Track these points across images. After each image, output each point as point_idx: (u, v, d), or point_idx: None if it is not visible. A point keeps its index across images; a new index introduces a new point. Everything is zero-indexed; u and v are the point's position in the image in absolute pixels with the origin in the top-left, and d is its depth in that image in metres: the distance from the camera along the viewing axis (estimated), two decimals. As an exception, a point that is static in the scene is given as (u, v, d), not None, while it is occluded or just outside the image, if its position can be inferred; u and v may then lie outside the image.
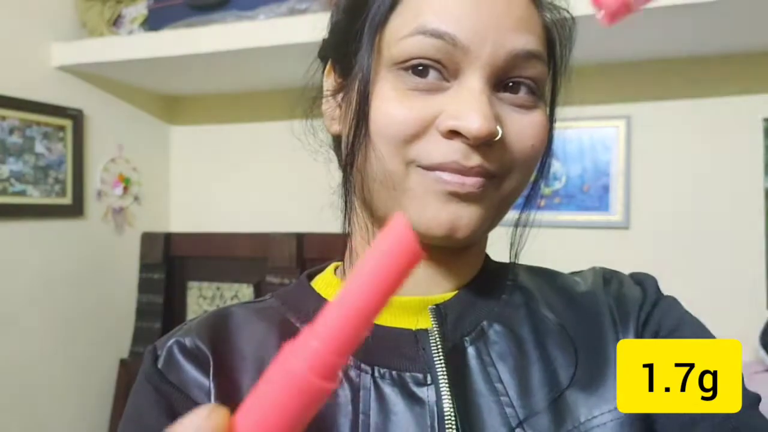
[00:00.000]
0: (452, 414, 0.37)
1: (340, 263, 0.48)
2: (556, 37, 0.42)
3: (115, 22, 1.21)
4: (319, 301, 0.44)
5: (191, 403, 0.40)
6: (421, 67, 0.38)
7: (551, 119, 0.43)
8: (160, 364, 0.42)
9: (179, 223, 1.42)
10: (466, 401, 0.39)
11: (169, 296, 1.29)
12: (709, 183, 1.08)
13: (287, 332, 0.43)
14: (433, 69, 0.38)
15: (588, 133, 1.13)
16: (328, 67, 0.46)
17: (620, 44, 1.02)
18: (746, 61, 1.04)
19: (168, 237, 1.30)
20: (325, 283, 0.47)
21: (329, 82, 0.45)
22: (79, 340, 1.21)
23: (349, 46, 0.41)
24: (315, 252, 1.17)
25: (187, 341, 0.42)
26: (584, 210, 1.14)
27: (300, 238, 1.17)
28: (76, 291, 1.20)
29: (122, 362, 1.26)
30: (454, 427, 0.37)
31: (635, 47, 1.04)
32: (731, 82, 1.06)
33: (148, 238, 1.31)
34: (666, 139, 1.11)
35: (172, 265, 1.30)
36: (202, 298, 1.28)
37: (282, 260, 1.17)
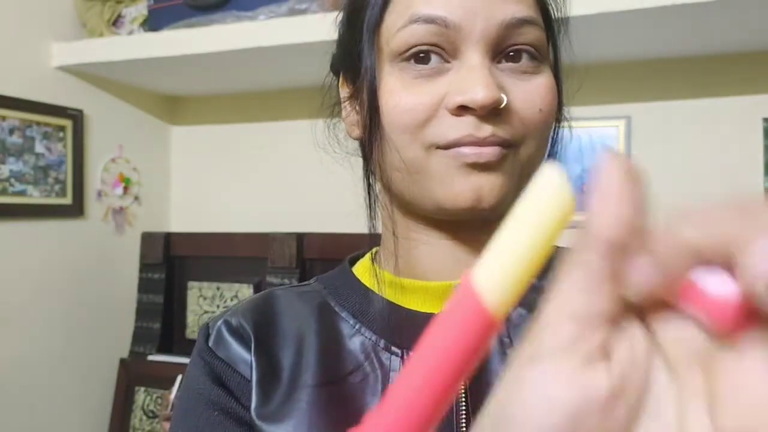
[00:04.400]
0: (463, 394, 0.41)
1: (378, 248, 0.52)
2: (548, 3, 0.44)
3: (115, 23, 1.21)
4: (357, 286, 0.48)
5: (237, 375, 0.45)
6: (422, 54, 0.41)
7: (558, 83, 0.45)
8: (210, 342, 0.47)
9: (179, 223, 1.42)
10: (481, 381, 0.41)
11: (169, 296, 1.29)
12: (709, 183, 1.08)
13: (326, 314, 0.47)
14: (433, 54, 0.41)
15: (588, 133, 1.13)
16: (341, 78, 0.49)
17: (620, 44, 1.02)
18: (746, 61, 1.04)
19: (168, 237, 1.30)
20: (364, 268, 0.50)
21: (344, 91, 0.48)
22: (78, 340, 1.21)
23: (354, 53, 0.44)
24: (315, 252, 1.17)
25: (234, 321, 0.47)
26: (584, 210, 1.14)
27: (300, 238, 1.17)
28: (76, 291, 1.20)
29: (122, 362, 1.26)
30: (465, 405, 0.41)
31: (635, 47, 1.04)
32: (731, 82, 1.06)
33: (148, 238, 1.31)
34: (666, 140, 1.11)
35: (172, 265, 1.30)
36: (202, 298, 1.28)
37: (282, 260, 1.17)
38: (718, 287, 0.17)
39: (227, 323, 0.47)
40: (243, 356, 0.45)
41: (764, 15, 0.87)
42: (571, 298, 0.18)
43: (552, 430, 0.17)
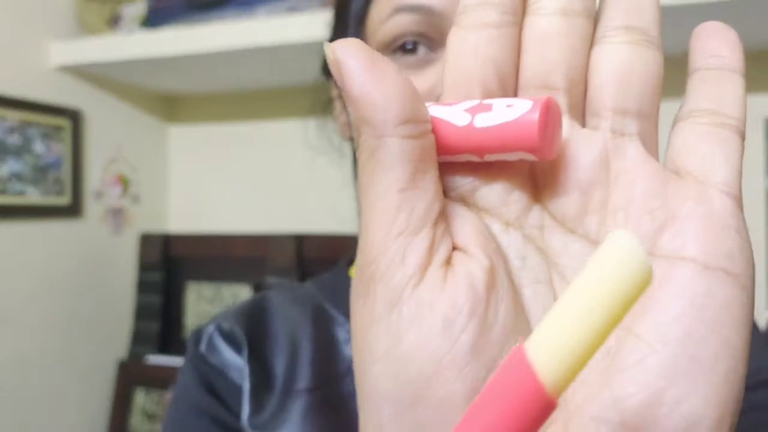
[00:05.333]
0: None
1: None
2: None
3: (115, 21, 1.20)
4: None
5: (229, 382, 0.44)
6: (409, 45, 0.39)
7: None
8: (202, 348, 0.45)
9: (178, 224, 1.42)
10: None
11: (168, 297, 1.29)
12: (709, 183, 1.08)
13: (320, 318, 0.46)
14: (420, 44, 0.39)
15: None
16: (333, 78, 0.48)
17: (620, 44, 1.02)
18: (746, 61, 1.04)
19: (167, 237, 1.29)
20: None
21: (334, 91, 0.47)
22: (77, 341, 1.20)
23: None
24: (315, 253, 1.17)
25: (225, 325, 0.46)
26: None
27: (300, 238, 1.17)
28: (75, 292, 1.20)
29: (120, 363, 1.25)
30: None
31: (635, 47, 1.04)
32: (732, 82, 1.05)
33: (146, 239, 1.30)
34: (666, 139, 1.10)
35: (170, 265, 1.30)
36: (201, 299, 1.28)
37: (282, 261, 1.16)
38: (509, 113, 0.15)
39: (219, 328, 0.46)
40: (235, 362, 0.44)
41: (764, 15, 0.87)
42: (396, 206, 0.15)
43: (451, 350, 0.14)
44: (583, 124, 0.18)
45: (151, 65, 1.14)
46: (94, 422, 1.23)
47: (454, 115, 0.16)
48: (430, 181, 0.15)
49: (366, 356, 0.15)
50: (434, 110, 0.16)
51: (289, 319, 0.46)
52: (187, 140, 1.43)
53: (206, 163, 1.41)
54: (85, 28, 1.20)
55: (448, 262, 0.15)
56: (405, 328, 0.15)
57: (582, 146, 0.17)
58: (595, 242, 0.16)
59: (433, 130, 0.16)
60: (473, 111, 0.16)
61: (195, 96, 1.43)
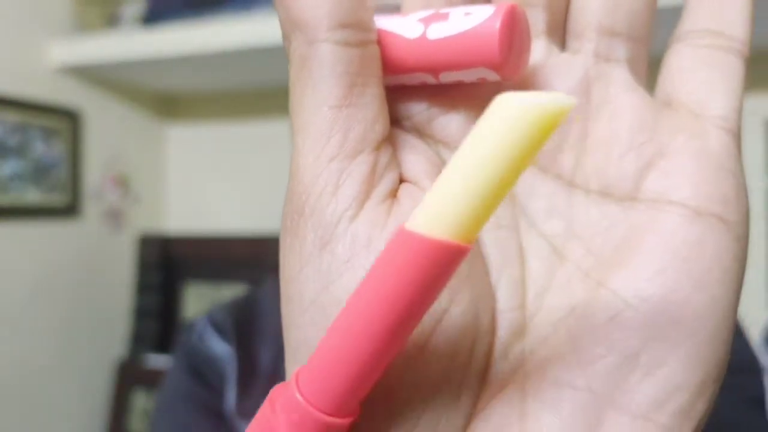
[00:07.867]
0: None
1: None
2: None
3: (114, 21, 1.20)
4: None
5: (217, 371, 0.45)
6: None
7: None
8: (193, 338, 0.47)
9: (177, 224, 1.42)
10: None
11: (167, 297, 1.29)
12: (709, 183, 1.08)
13: None
14: None
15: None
16: None
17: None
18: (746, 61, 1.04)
19: (166, 238, 1.29)
20: None
21: None
22: (75, 342, 1.20)
23: None
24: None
25: (217, 316, 0.47)
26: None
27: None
28: (73, 292, 1.20)
29: (120, 364, 1.25)
30: None
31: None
32: (731, 82, 1.05)
33: (145, 239, 1.30)
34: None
35: (169, 266, 1.30)
36: (200, 300, 1.28)
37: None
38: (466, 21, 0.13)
39: (211, 319, 0.47)
40: (224, 351, 0.46)
41: (764, 14, 0.87)
42: (329, 126, 0.13)
43: None
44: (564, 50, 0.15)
45: (150, 65, 1.14)
46: (93, 423, 1.23)
47: (405, 26, 0.14)
48: (371, 98, 0.13)
49: (294, 306, 0.13)
50: (382, 22, 0.14)
51: (278, 316, 0.46)
52: (187, 140, 1.43)
53: (206, 163, 1.41)
54: (83, 27, 1.20)
55: (393, 194, 0.13)
56: (338, 270, 0.12)
57: (559, 71, 0.14)
58: (569, 183, 0.14)
59: (381, 45, 0.14)
60: (427, 21, 0.14)
61: (194, 96, 1.42)
